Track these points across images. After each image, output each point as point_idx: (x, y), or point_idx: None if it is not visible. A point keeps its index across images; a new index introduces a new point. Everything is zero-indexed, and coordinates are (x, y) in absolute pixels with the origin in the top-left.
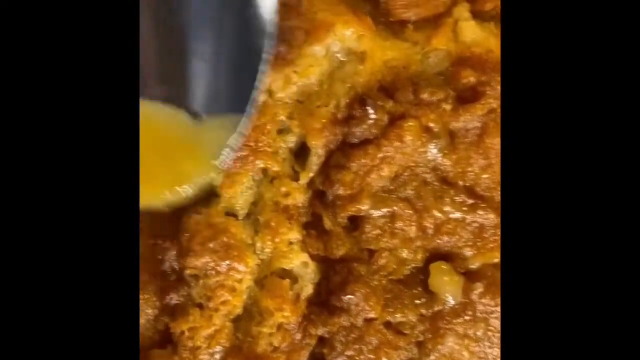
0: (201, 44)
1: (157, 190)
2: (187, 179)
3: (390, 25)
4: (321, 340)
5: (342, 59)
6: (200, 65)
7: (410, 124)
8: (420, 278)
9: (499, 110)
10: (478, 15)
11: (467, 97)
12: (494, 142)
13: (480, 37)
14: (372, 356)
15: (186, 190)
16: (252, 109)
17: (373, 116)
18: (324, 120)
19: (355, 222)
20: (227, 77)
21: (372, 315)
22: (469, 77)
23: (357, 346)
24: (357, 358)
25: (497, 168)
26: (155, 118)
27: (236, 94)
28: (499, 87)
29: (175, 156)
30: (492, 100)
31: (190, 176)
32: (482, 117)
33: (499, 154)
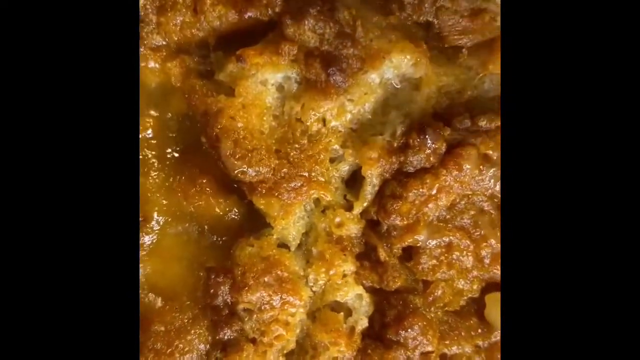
0: None
1: None
2: None
3: (444, 51)
4: None
5: (396, 86)
6: None
7: (470, 152)
8: (475, 308)
9: None
10: None
11: None
12: None
13: None
14: None
15: None
16: None
17: (431, 145)
18: (380, 150)
19: (409, 252)
20: None
21: (429, 348)
22: None
23: None
24: None
25: None
26: None
27: None
28: None
29: None
30: None
31: None
32: None
33: None
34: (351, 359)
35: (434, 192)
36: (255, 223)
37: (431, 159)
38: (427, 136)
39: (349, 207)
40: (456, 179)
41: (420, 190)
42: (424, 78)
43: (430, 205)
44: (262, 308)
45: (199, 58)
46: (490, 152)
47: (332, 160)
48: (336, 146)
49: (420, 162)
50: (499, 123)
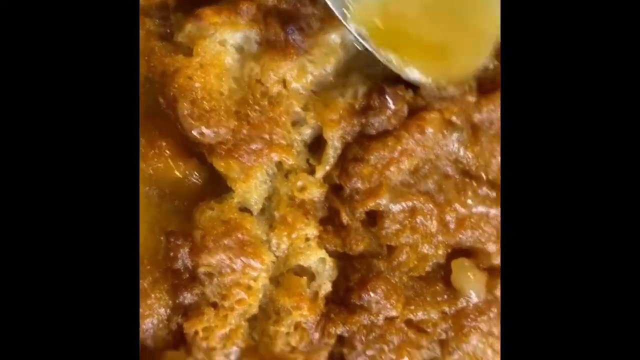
0: None
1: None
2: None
3: None
4: (340, 339)
5: (359, 47)
6: None
7: (433, 115)
8: (441, 275)
9: None
10: None
11: (488, 89)
12: None
13: None
14: (393, 356)
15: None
16: None
17: (392, 106)
18: (341, 111)
19: (374, 217)
20: None
21: (393, 313)
22: (489, 69)
23: (377, 345)
24: (378, 358)
25: None
26: None
27: None
28: None
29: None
30: None
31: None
32: None
33: None
34: (314, 323)
35: (396, 155)
36: (217, 187)
37: (392, 120)
38: (386, 97)
39: (312, 171)
40: (419, 143)
41: (382, 153)
42: None
43: (392, 169)
44: (223, 271)
45: (159, 20)
46: (454, 118)
47: (294, 124)
48: (298, 108)
49: (381, 124)
50: (465, 88)
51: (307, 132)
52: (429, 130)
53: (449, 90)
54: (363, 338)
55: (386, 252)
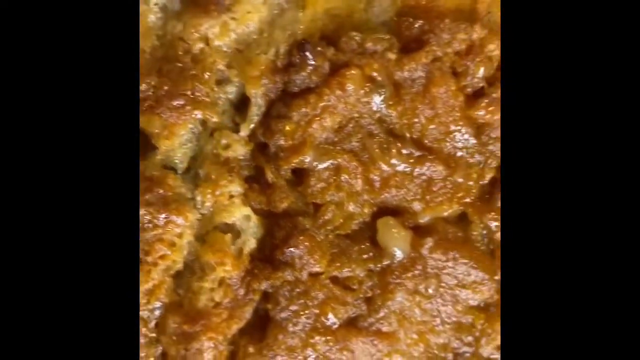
0: None
1: None
2: None
3: None
4: (265, 295)
5: (284, 5)
6: None
7: (353, 72)
8: (368, 233)
9: (444, 58)
10: None
11: (412, 48)
12: (440, 92)
13: None
14: (317, 311)
15: None
16: None
17: (312, 62)
18: (262, 68)
19: (300, 176)
20: None
21: (317, 269)
22: (414, 26)
23: (301, 301)
24: (301, 313)
25: (444, 119)
26: None
27: None
28: (443, 35)
29: None
30: (436, 48)
31: None
32: (427, 65)
33: (446, 103)
34: (239, 279)
35: (318, 111)
36: (142, 146)
37: (313, 78)
38: (306, 53)
39: (237, 130)
40: (340, 99)
41: (304, 109)
42: None
43: (315, 126)
44: (145, 227)
45: None
46: (375, 74)
47: (219, 82)
48: (221, 66)
49: (303, 81)
50: (385, 45)
51: (231, 91)
52: (350, 86)
53: (369, 45)
54: (287, 293)
55: (312, 210)
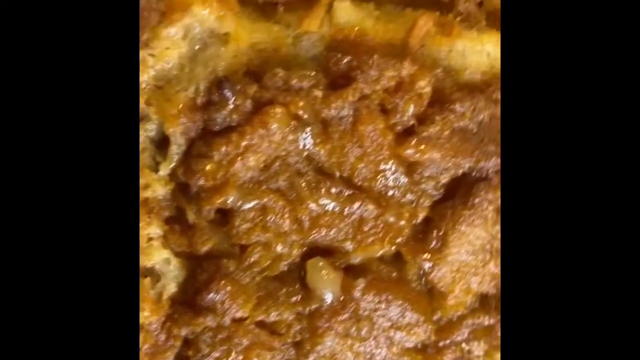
0: None
1: None
2: None
3: (260, 7)
4: (187, 342)
5: (206, 40)
6: None
7: (277, 110)
8: (298, 274)
9: (372, 95)
10: None
11: (340, 84)
12: (368, 130)
13: (356, 19)
14: (241, 357)
15: None
16: None
17: (232, 101)
18: (181, 106)
19: (225, 216)
20: None
21: (240, 314)
22: (341, 62)
23: (224, 347)
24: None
25: (373, 157)
26: None
27: None
28: (371, 72)
29: None
30: (364, 85)
31: None
32: (354, 103)
33: (374, 142)
34: (159, 325)
35: (240, 150)
36: None
37: (234, 116)
38: (225, 91)
39: (158, 169)
40: (264, 138)
41: (226, 149)
42: (232, 33)
43: (237, 165)
44: None
45: None
46: (301, 112)
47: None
48: (141, 104)
49: (224, 119)
50: (312, 82)
51: (151, 128)
52: (274, 125)
53: (294, 82)
54: (209, 340)
55: (238, 251)
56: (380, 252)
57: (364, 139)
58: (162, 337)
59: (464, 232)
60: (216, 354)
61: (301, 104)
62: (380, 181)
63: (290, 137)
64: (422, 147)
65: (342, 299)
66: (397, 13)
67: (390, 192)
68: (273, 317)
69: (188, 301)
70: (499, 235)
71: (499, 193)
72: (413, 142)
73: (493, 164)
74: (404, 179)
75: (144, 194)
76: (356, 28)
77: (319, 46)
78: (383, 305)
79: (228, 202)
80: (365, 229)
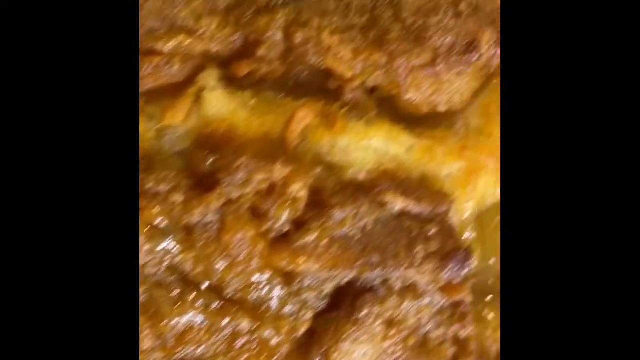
0: None
1: None
2: None
3: None
4: None
5: None
6: None
7: None
8: None
9: (241, 200)
10: (232, 83)
11: (208, 184)
12: (235, 239)
13: (227, 110)
14: None
15: None
16: None
17: None
18: None
19: None
20: None
21: None
22: (206, 162)
23: None
24: None
25: (244, 267)
26: None
27: None
28: (238, 175)
29: None
30: (231, 189)
31: None
32: (220, 209)
33: (244, 250)
34: None
35: None
36: None
37: None
38: None
39: None
40: None
41: None
42: None
43: None
44: None
45: None
46: (157, 221)
47: None
48: None
49: None
50: (170, 185)
51: None
52: None
53: (150, 185)
54: None
55: None
56: None
57: (231, 248)
58: None
59: (347, 351)
60: None
61: (157, 210)
62: (255, 293)
63: (147, 247)
64: (298, 259)
65: None
66: (277, 102)
67: (267, 305)
68: None
69: None
70: (391, 350)
71: (387, 305)
72: (287, 252)
73: (378, 274)
74: (281, 290)
75: None
76: (226, 122)
77: (187, 140)
78: None
79: None
80: (238, 345)
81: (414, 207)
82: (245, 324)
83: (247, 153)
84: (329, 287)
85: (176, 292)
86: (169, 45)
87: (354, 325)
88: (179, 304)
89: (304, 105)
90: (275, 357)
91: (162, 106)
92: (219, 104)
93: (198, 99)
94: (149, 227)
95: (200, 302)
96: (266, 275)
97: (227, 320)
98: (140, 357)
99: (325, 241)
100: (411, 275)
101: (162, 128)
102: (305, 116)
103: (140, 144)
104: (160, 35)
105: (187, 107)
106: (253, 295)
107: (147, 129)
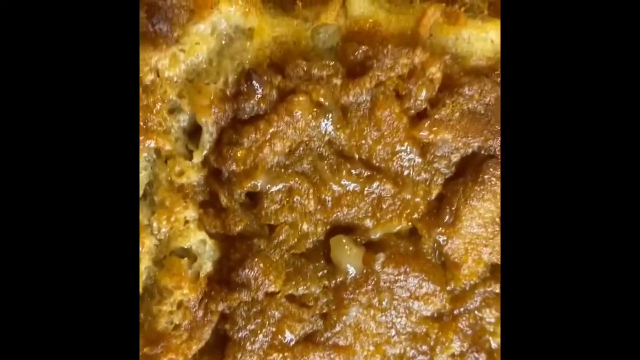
0: None
1: None
2: None
3: (279, 3)
4: (224, 316)
5: (232, 35)
6: None
7: (300, 98)
8: (322, 251)
9: (387, 82)
10: None
11: (357, 72)
12: (384, 114)
13: (369, 11)
14: (274, 329)
15: None
16: None
17: (260, 91)
18: (212, 97)
19: (255, 199)
20: None
21: (272, 289)
22: (358, 52)
23: (258, 320)
24: (259, 331)
25: (390, 140)
26: None
27: None
28: (386, 60)
29: None
30: (379, 73)
31: None
32: (371, 90)
33: (390, 125)
34: (196, 301)
35: (267, 137)
36: None
37: (262, 105)
38: (253, 82)
39: (191, 157)
40: (289, 125)
41: (254, 136)
42: (256, 28)
43: (265, 151)
44: None
45: None
46: (322, 99)
47: (171, 112)
48: (173, 96)
49: (252, 108)
50: (331, 71)
51: (184, 119)
52: (297, 112)
53: (315, 72)
54: (244, 314)
55: (267, 231)
56: (398, 228)
57: (381, 123)
58: (200, 313)
59: (474, 207)
60: (251, 326)
61: (322, 91)
62: (397, 162)
63: (313, 123)
64: (435, 128)
65: (364, 272)
66: (406, 5)
67: (406, 172)
68: (302, 290)
69: (223, 278)
70: None
71: None
72: (426, 124)
73: (500, 142)
74: (418, 159)
75: (179, 181)
76: (370, 20)
77: (336, 38)
78: (402, 277)
79: (257, 185)
80: (384, 206)
81: None
82: (388, 189)
83: (390, 44)
84: (456, 156)
85: (334, 162)
86: None
87: (479, 185)
88: (337, 172)
89: (430, 6)
90: (413, 216)
91: (316, 9)
92: (361, 7)
93: (344, 3)
94: (315, 108)
95: (353, 171)
96: (407, 147)
97: (374, 186)
98: (303, 218)
99: (457, 114)
100: None
101: (316, 28)
102: (434, 13)
103: (298, 42)
104: None
105: (336, 9)
106: (395, 164)
107: (303, 29)
